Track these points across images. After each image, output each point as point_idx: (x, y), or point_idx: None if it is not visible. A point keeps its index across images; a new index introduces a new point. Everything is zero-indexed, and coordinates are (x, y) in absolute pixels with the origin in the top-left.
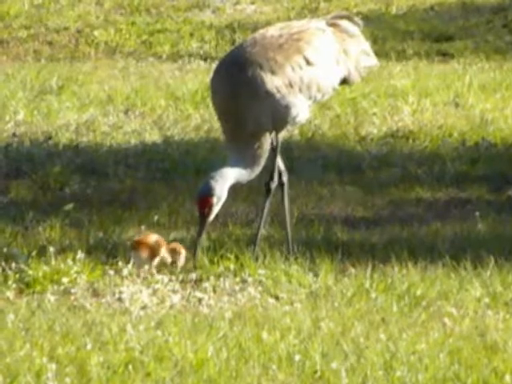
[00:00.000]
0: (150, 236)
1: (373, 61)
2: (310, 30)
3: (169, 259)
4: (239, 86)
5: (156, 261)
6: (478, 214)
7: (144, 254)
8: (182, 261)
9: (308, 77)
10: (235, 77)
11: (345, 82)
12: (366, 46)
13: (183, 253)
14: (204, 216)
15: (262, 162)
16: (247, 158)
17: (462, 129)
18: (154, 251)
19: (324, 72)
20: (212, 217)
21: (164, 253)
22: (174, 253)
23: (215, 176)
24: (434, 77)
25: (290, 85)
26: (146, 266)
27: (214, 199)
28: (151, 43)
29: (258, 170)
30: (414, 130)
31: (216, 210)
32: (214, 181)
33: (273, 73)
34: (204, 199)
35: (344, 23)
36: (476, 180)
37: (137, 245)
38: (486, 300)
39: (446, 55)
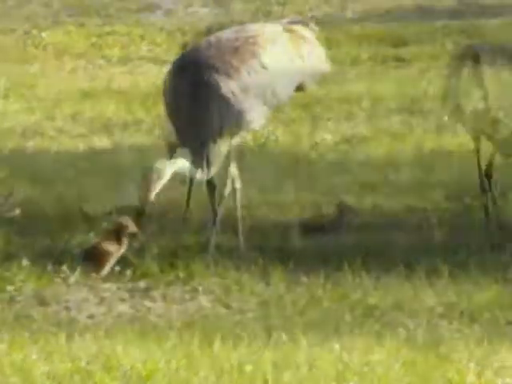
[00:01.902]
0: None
1: (327, 66)
2: (266, 34)
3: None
4: (194, 88)
5: (105, 270)
6: (434, 221)
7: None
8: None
9: (263, 81)
10: (190, 79)
11: (299, 87)
12: (321, 51)
13: (130, 224)
14: (144, 192)
15: (216, 165)
16: (199, 160)
17: (417, 135)
18: (104, 258)
19: (279, 77)
20: (152, 195)
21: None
22: (121, 231)
23: (163, 160)
24: (389, 82)
25: (246, 89)
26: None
27: (154, 175)
28: (101, 45)
29: (210, 172)
30: (369, 136)
31: (156, 187)
32: (159, 162)
33: (228, 76)
34: (146, 176)
35: (299, 28)
36: (432, 187)
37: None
38: (440, 310)
39: (401, 60)
